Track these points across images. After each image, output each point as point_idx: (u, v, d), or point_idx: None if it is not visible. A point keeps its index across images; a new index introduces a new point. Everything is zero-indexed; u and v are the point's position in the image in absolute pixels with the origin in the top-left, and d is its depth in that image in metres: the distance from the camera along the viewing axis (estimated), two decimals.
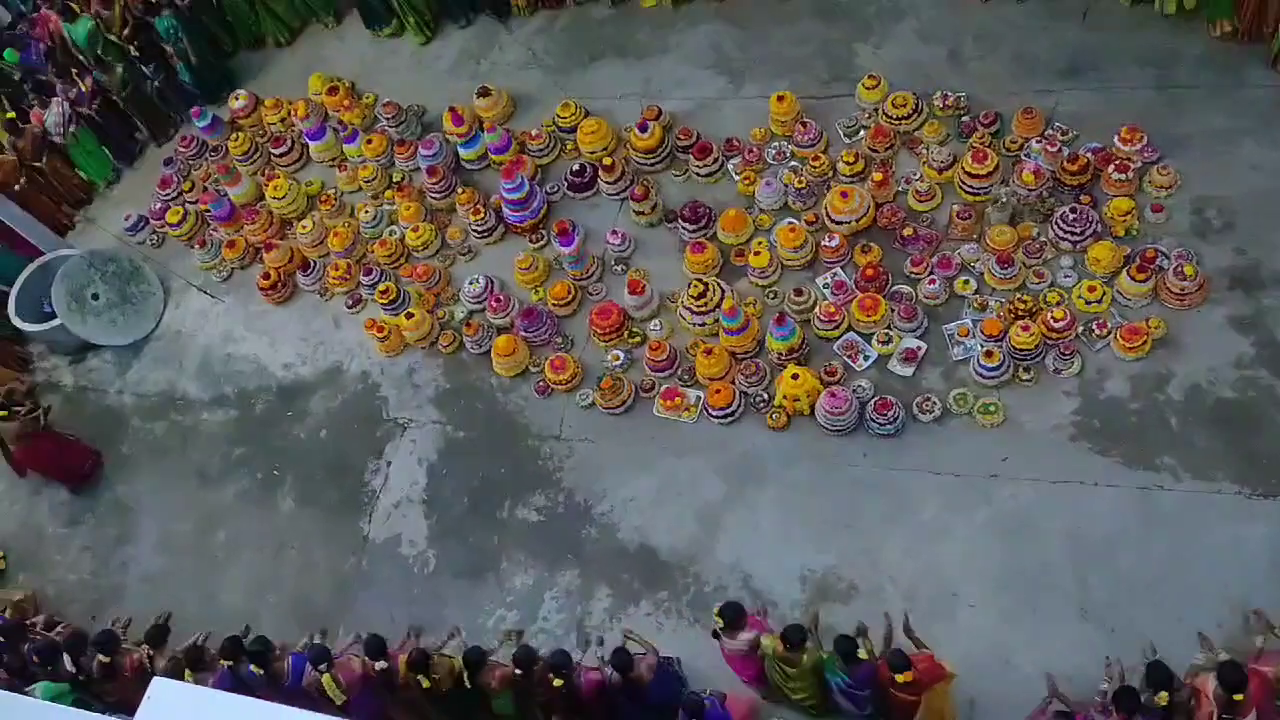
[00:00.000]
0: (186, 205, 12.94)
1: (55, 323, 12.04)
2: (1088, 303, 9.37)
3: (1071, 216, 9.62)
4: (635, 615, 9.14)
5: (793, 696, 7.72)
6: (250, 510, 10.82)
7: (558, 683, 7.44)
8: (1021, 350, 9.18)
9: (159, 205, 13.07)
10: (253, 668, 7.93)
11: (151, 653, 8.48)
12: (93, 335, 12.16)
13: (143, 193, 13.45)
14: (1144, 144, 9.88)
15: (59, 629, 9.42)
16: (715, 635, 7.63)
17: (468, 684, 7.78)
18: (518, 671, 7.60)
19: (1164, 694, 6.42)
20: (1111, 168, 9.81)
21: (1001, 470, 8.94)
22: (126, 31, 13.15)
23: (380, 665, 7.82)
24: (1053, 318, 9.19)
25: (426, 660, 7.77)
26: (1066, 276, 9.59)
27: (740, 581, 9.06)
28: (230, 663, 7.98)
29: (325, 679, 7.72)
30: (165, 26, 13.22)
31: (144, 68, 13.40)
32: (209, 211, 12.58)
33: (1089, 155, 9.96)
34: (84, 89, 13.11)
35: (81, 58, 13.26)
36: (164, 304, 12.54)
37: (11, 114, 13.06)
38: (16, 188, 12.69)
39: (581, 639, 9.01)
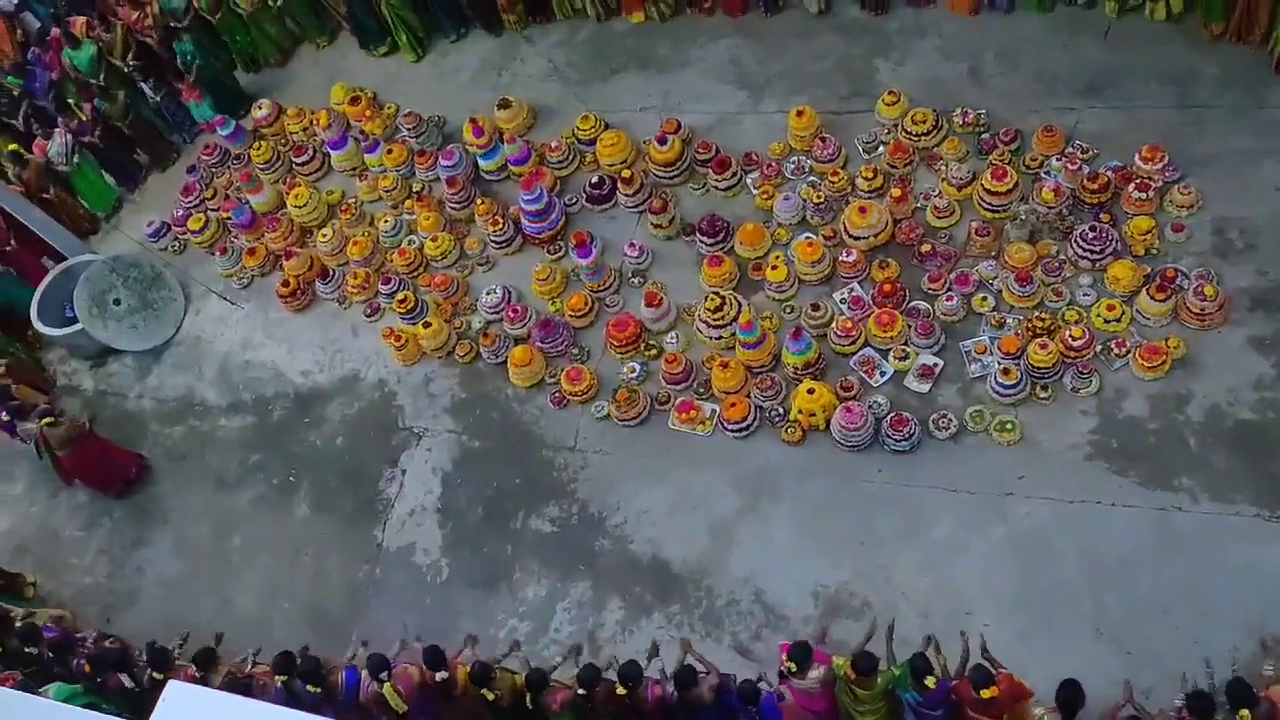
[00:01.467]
0: (208, 212, 13.06)
1: (77, 327, 12.14)
2: (1106, 321, 9.33)
3: (1091, 235, 9.59)
4: (647, 628, 9.13)
5: (862, 719, 7.51)
6: (266, 516, 10.87)
7: (621, 691, 7.36)
8: (1039, 368, 9.14)
9: (181, 212, 13.19)
10: (308, 686, 7.86)
11: (199, 674, 8.28)
12: (114, 340, 12.26)
13: (165, 199, 13.58)
14: (1165, 163, 9.83)
15: (109, 642, 9.34)
16: (783, 676, 7.39)
17: (529, 705, 7.73)
18: (580, 692, 7.50)
19: (1245, 711, 6.23)
20: (1132, 186, 9.77)
21: (1017, 488, 8.89)
22: (130, 55, 13.30)
23: (440, 676, 7.76)
24: (1071, 336, 9.15)
25: (489, 674, 7.71)
26: (1085, 295, 9.55)
27: (753, 596, 9.04)
28: (284, 678, 7.92)
29: (386, 688, 7.69)
30: (185, 51, 13.33)
31: (144, 85, 13.46)
32: (230, 219, 12.68)
33: (1109, 174, 9.93)
34: (84, 118, 13.16)
35: (86, 82, 13.37)
36: (184, 310, 12.64)
37: (15, 146, 13.10)
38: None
39: (592, 649, 9.01)
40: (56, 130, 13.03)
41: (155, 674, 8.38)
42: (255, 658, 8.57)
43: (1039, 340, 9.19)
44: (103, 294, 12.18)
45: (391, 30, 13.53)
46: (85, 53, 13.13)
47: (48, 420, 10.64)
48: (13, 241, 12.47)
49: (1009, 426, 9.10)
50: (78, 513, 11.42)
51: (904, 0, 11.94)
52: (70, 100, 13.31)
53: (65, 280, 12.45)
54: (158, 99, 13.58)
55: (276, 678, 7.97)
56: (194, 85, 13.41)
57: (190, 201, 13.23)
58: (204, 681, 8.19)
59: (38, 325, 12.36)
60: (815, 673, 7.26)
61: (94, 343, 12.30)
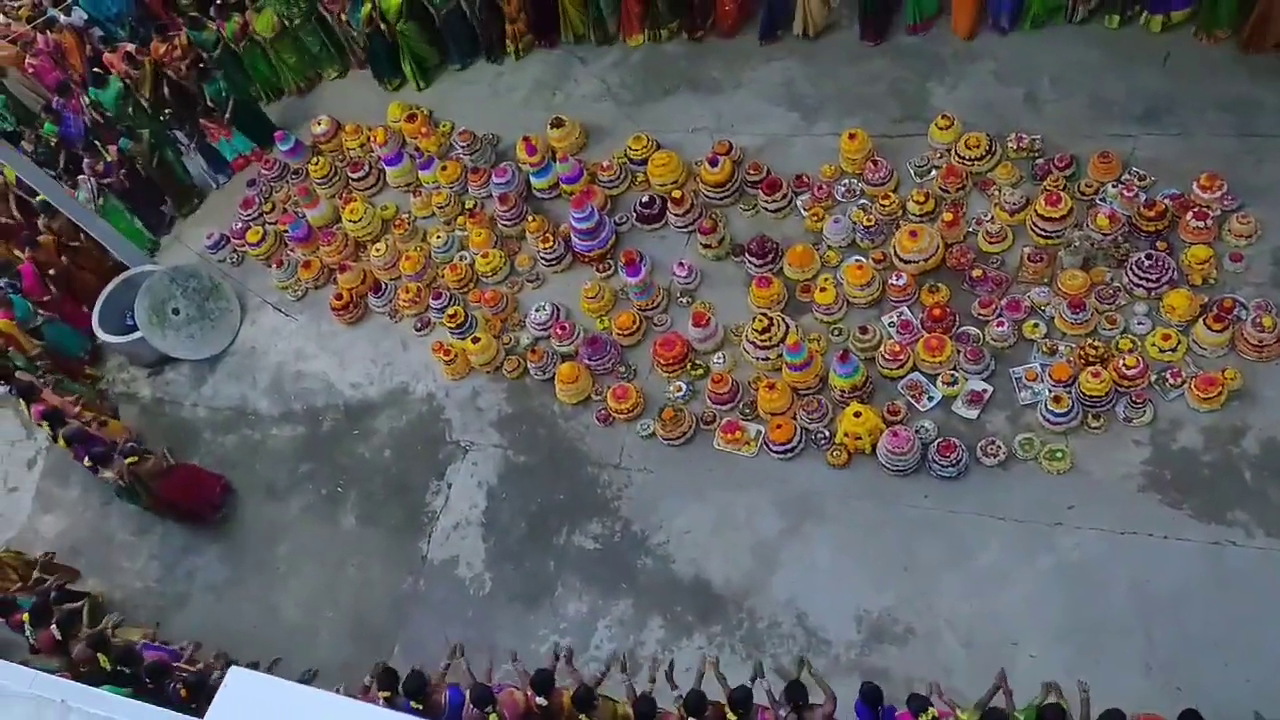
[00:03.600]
0: (266, 225, 13.32)
1: (136, 335, 12.41)
2: (1162, 351, 9.19)
3: (1147, 263, 9.46)
4: (688, 648, 9.12)
5: None
6: (313, 526, 11.01)
7: (732, 717, 7.23)
8: (1091, 397, 9.01)
9: (240, 225, 13.46)
10: (412, 703, 7.82)
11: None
12: (171, 349, 12.52)
13: (225, 212, 13.86)
14: (1223, 191, 9.69)
15: (210, 663, 9.38)
16: None
17: None
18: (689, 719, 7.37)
19: None
20: (1190, 215, 9.63)
21: (1067, 518, 8.77)
22: (157, 92, 13.63)
23: (540, 701, 7.73)
24: (1125, 365, 9.02)
25: (591, 700, 7.63)
26: (1140, 324, 9.41)
27: (795, 619, 8.99)
28: (386, 695, 7.88)
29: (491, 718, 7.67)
30: (215, 90, 13.61)
31: (178, 133, 13.71)
32: (287, 232, 12.93)
33: (1167, 202, 9.79)
34: (109, 159, 13.30)
35: (111, 121, 13.62)
36: (240, 321, 12.88)
37: (44, 195, 13.23)
38: (57, 269, 12.74)
39: (633, 668, 8.99)
40: (81, 177, 13.14)
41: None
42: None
43: (1092, 368, 9.07)
44: (162, 303, 12.45)
45: (403, 58, 13.83)
46: (112, 89, 13.43)
47: (132, 460, 10.60)
48: (53, 289, 12.67)
49: (1059, 455, 8.98)
50: (130, 519, 11.63)
51: (905, 30, 12.06)
52: (96, 141, 13.49)
53: (126, 290, 12.74)
54: (191, 144, 13.77)
55: (379, 694, 7.90)
56: (225, 123, 13.69)
57: (249, 214, 13.50)
58: None
59: (98, 332, 12.67)
60: None
61: (152, 351, 12.56)
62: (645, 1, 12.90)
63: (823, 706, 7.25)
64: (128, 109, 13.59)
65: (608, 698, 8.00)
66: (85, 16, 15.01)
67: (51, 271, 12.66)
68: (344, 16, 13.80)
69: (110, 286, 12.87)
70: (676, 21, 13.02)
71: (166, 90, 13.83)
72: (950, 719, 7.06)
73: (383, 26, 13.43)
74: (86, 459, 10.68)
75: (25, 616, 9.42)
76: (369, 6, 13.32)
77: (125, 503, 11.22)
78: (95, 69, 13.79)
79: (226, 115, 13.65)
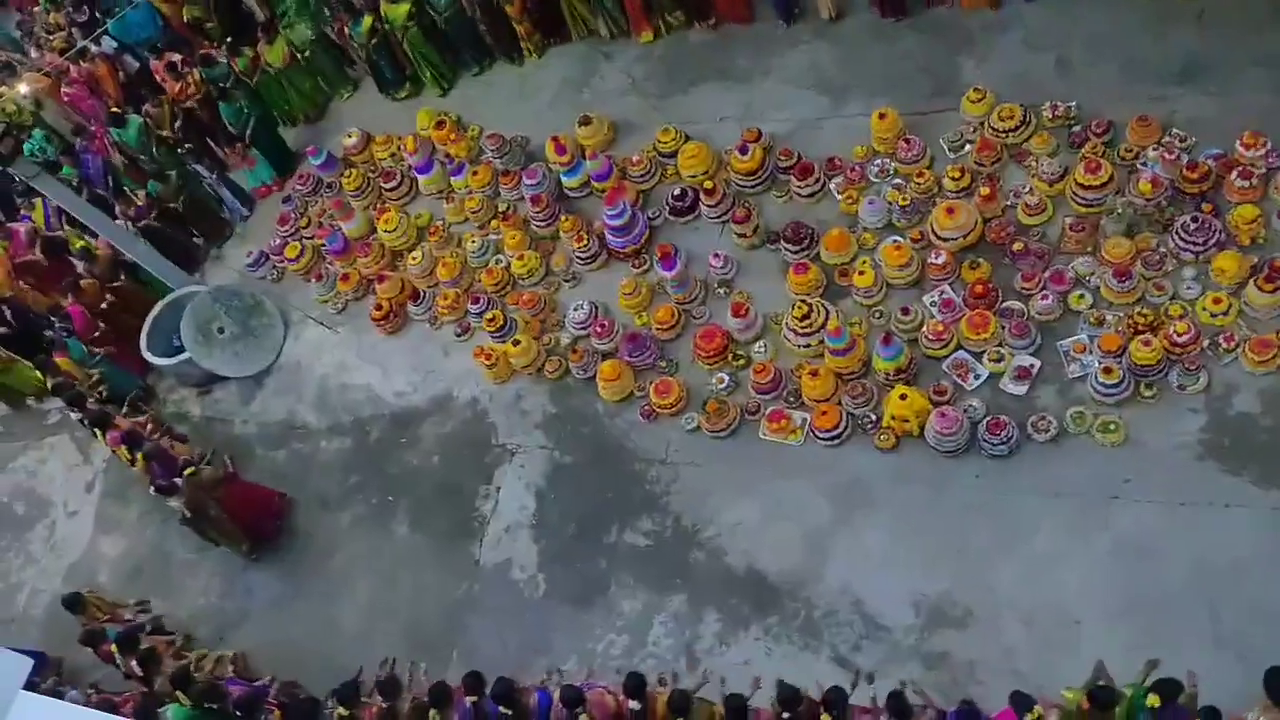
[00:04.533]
0: (303, 240, 13.45)
1: (184, 356, 12.60)
2: (1213, 315, 8.98)
3: (1193, 226, 9.25)
4: (745, 640, 9.09)
5: None
6: (366, 536, 11.11)
7: (826, 717, 7.19)
8: (1143, 366, 8.84)
9: (278, 241, 13.61)
10: (500, 707, 7.89)
11: (386, 704, 8.36)
12: (218, 367, 12.70)
13: (264, 230, 14.03)
14: (1268, 149, 9.44)
15: (296, 693, 9.47)
16: None
17: None
18: (785, 715, 7.35)
19: None
20: (1234, 174, 9.40)
21: (1123, 492, 8.61)
22: (177, 125, 13.81)
23: (634, 705, 7.72)
24: (1175, 331, 8.83)
25: (687, 703, 7.62)
26: (1189, 288, 9.21)
27: (851, 606, 8.93)
28: (474, 699, 7.97)
29: None
30: (233, 112, 13.74)
31: (198, 167, 13.83)
32: (324, 246, 13.06)
33: (1209, 162, 9.57)
34: (139, 203, 13.42)
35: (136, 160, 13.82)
36: (284, 336, 13.02)
37: (83, 241, 13.48)
38: (104, 306, 12.88)
39: (691, 663, 9.00)
40: (116, 221, 13.27)
41: (342, 710, 8.51)
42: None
43: (1142, 337, 8.90)
44: (207, 323, 12.62)
45: (414, 68, 13.95)
46: (132, 128, 13.60)
47: (190, 470, 10.69)
48: (102, 324, 12.83)
49: (1113, 427, 8.82)
50: (190, 536, 11.76)
51: (924, 3, 11.92)
52: (124, 187, 13.66)
53: (171, 312, 12.94)
54: (212, 177, 13.89)
55: (466, 697, 7.98)
56: (245, 151, 13.88)
57: (286, 230, 13.64)
58: (393, 713, 8.29)
59: (147, 356, 12.88)
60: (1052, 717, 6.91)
61: (200, 371, 12.75)
62: None
63: (927, 712, 7.20)
64: (151, 146, 13.78)
65: (704, 700, 7.92)
66: (116, 44, 15.25)
67: (103, 308, 12.86)
68: (346, 30, 13.92)
69: (156, 310, 13.07)
70: (679, 10, 12.96)
71: (185, 124, 14.02)
72: (1057, 706, 6.93)
73: (390, 35, 13.49)
74: (153, 488, 10.74)
75: (113, 646, 9.73)
76: (370, 19, 13.44)
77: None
78: (113, 110, 13.98)
79: (247, 135, 13.80)
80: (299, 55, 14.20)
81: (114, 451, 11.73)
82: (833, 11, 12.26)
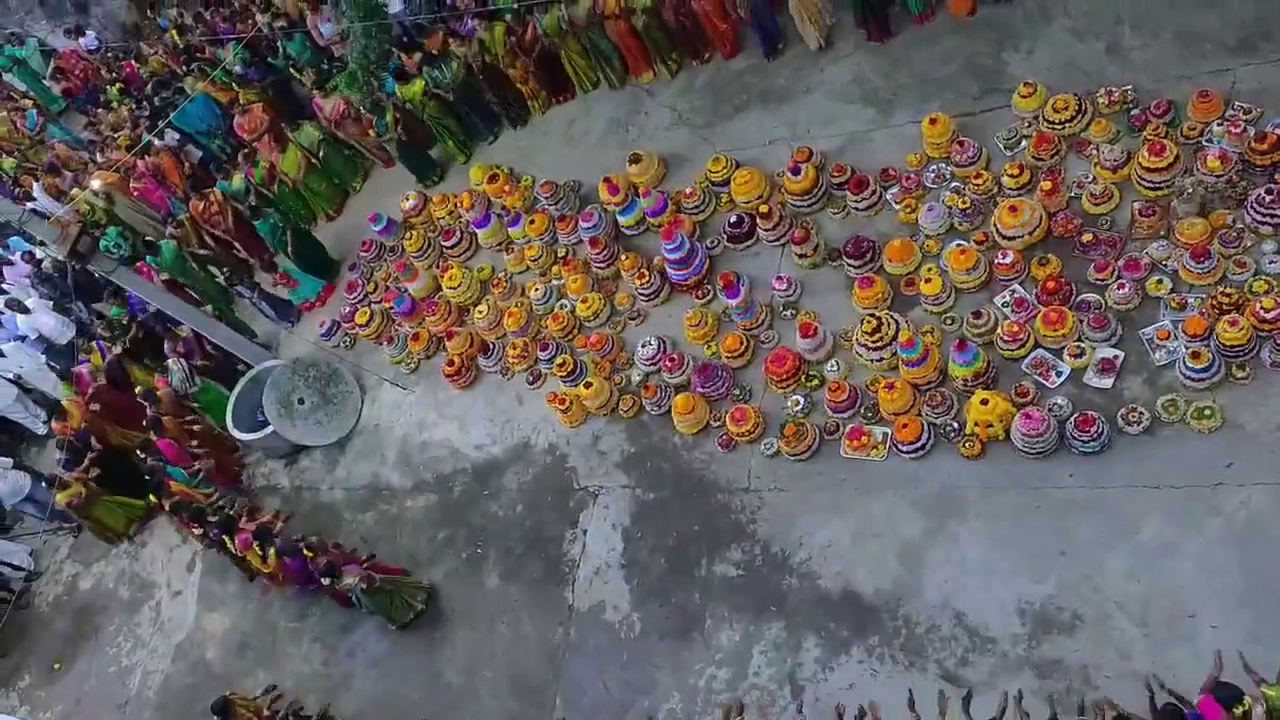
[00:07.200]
0: (372, 305, 13.74)
1: (269, 430, 12.92)
2: None
3: (1269, 198, 8.95)
4: (848, 664, 8.94)
5: None
6: (459, 589, 11.20)
7: None
8: (1232, 346, 8.54)
9: (348, 309, 13.93)
10: None
11: None
12: (303, 437, 12.99)
13: (333, 301, 14.35)
14: None
15: None
16: None
17: None
18: None
19: None
20: None
21: (1227, 477, 8.30)
22: (207, 240, 14.29)
23: None
24: (1262, 308, 8.51)
25: None
26: (1272, 262, 8.89)
27: (954, 620, 8.73)
28: None
29: None
30: (269, 227, 14.16)
31: (240, 289, 14.19)
32: (392, 308, 13.33)
33: (1278, 131, 9.27)
34: (184, 335, 13.76)
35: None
36: (361, 400, 13.28)
37: (143, 379, 13.83)
38: (194, 444, 13.07)
39: (795, 691, 8.88)
40: (169, 362, 13.62)
41: None
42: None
43: (1228, 317, 8.60)
44: (288, 395, 12.92)
45: (439, 142, 14.38)
46: (167, 251, 14.01)
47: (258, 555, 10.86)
48: (197, 452, 13.07)
49: (1208, 413, 8.53)
50: (289, 604, 12.05)
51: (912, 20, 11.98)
52: (167, 324, 14.05)
53: (253, 388, 13.31)
54: (253, 295, 14.19)
55: None
56: (285, 272, 14.27)
57: (355, 297, 13.97)
58: None
59: (234, 432, 13.23)
60: (1259, 708, 6.56)
61: (285, 442, 13.05)
62: (640, 39, 13.10)
63: None
64: (188, 266, 14.19)
65: None
66: (178, 136, 15.82)
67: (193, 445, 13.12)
68: (371, 133, 14.43)
69: (238, 387, 13.45)
70: (676, 51, 13.26)
71: (212, 242, 14.48)
72: (1259, 700, 6.60)
73: (411, 113, 13.91)
74: (326, 578, 10.75)
75: None
76: (391, 111, 13.84)
77: (369, 612, 11.09)
78: (147, 240, 14.42)
79: (289, 251, 14.16)
80: (313, 158, 14.62)
81: (244, 555, 11.70)
82: (820, 41, 12.37)
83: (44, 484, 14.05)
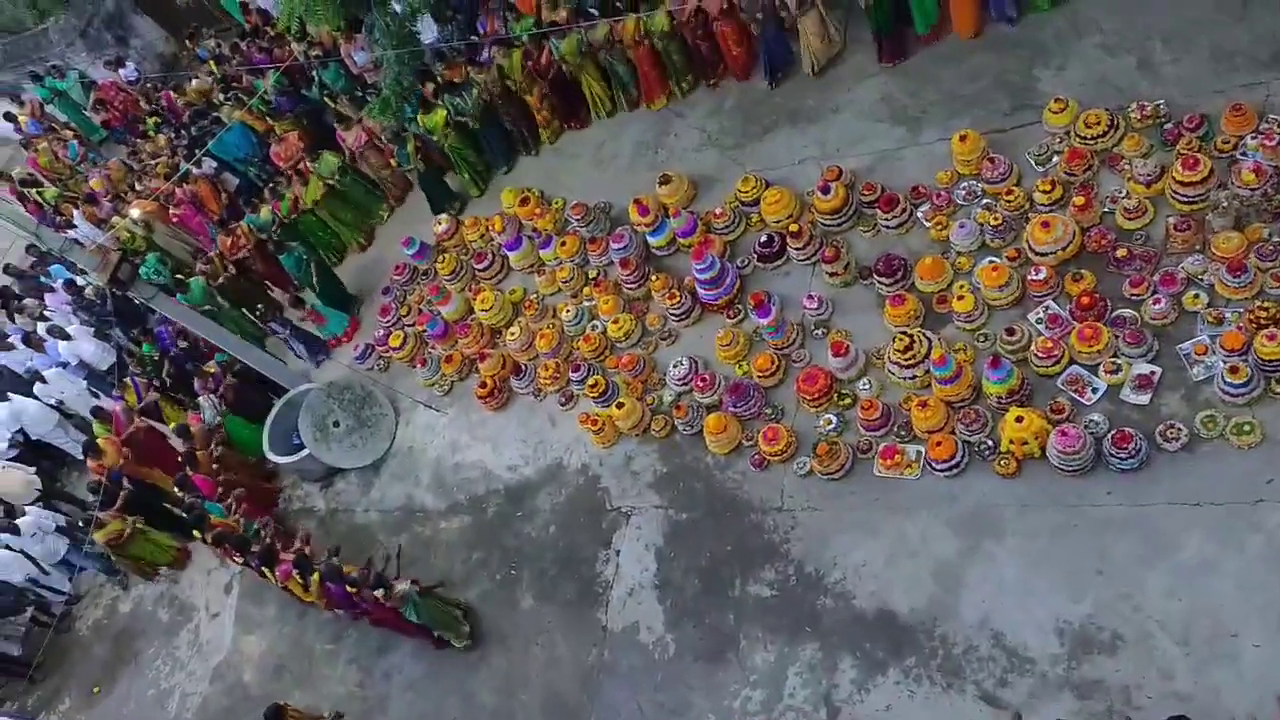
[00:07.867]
0: (405, 328, 13.87)
1: (304, 453, 13.04)
2: None
3: None
4: (884, 685, 8.86)
5: None
6: (493, 610, 11.23)
7: None
8: (1271, 361, 8.43)
9: (381, 332, 14.07)
10: None
11: None
12: (338, 460, 13.09)
13: (367, 323, 14.50)
14: None
15: None
16: None
17: None
18: None
19: None
20: None
21: (1268, 493, 8.18)
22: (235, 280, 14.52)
23: None
24: None
25: None
26: None
27: (991, 640, 8.63)
28: None
29: None
30: (294, 262, 14.35)
31: (272, 325, 14.31)
32: (425, 331, 13.44)
33: None
34: (212, 371, 13.94)
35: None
36: (396, 423, 13.38)
37: (175, 416, 13.98)
38: (221, 479, 13.08)
39: (832, 713, 8.80)
40: (200, 398, 13.77)
41: None
42: None
43: (1266, 331, 8.49)
44: (323, 418, 13.05)
45: (461, 174, 14.53)
46: (196, 288, 14.18)
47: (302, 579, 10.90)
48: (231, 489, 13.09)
49: (1247, 428, 8.42)
50: (326, 627, 12.12)
51: (918, 42, 12.11)
52: (195, 363, 14.29)
53: (288, 411, 13.45)
54: (285, 332, 14.32)
55: None
56: (314, 308, 14.40)
57: (388, 321, 14.10)
58: None
59: (269, 455, 13.37)
60: None
61: (320, 465, 13.16)
62: (660, 65, 13.25)
63: None
64: (217, 301, 14.38)
65: None
66: (215, 164, 16.09)
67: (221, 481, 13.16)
68: (393, 162, 14.64)
69: (274, 411, 13.60)
70: (691, 75, 13.40)
71: (241, 277, 14.71)
72: None
73: (432, 144, 14.11)
74: (379, 591, 10.69)
75: None
76: (413, 142, 14.02)
77: (423, 624, 11.00)
78: (177, 276, 14.62)
79: (314, 284, 14.34)
80: (335, 187, 14.81)
81: (286, 587, 11.66)
82: (816, 65, 12.49)
83: (79, 548, 13.93)
